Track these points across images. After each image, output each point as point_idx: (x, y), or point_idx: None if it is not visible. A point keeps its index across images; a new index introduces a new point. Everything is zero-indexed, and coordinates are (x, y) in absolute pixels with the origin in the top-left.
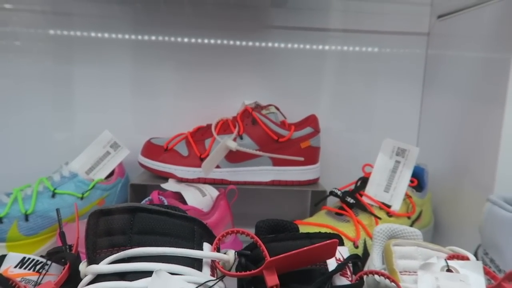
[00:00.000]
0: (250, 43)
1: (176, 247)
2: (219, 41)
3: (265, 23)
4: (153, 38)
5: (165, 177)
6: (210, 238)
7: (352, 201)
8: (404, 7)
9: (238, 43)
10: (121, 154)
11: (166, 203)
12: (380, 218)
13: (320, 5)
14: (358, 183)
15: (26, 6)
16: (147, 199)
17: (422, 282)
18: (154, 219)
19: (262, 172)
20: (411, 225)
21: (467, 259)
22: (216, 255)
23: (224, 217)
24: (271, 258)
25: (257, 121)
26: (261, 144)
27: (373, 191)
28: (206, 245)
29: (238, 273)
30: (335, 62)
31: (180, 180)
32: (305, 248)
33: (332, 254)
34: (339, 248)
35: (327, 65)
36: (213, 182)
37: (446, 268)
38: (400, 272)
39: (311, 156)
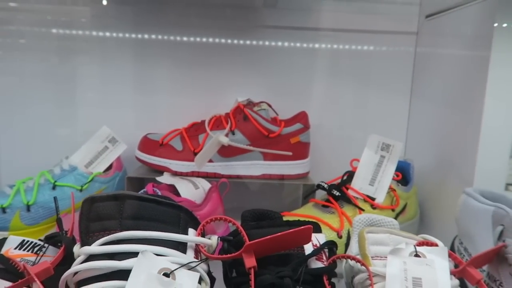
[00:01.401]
0: (248, 42)
1: (162, 231)
2: (216, 40)
3: (258, 22)
4: (153, 37)
5: (160, 170)
6: (196, 225)
7: (337, 193)
8: (393, 7)
9: (232, 41)
10: (119, 148)
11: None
12: (363, 210)
13: (312, 5)
14: (345, 177)
15: (29, 5)
16: (142, 191)
17: (390, 265)
18: (142, 205)
19: (253, 166)
20: (396, 217)
21: (436, 245)
22: (199, 239)
23: (216, 209)
24: (249, 242)
25: (248, 117)
26: (252, 139)
27: (359, 185)
28: (191, 231)
29: (220, 256)
30: (327, 61)
31: (175, 174)
32: (280, 233)
33: (307, 240)
34: (316, 235)
35: (319, 63)
36: (206, 176)
37: (414, 254)
38: (372, 257)
39: (300, 151)
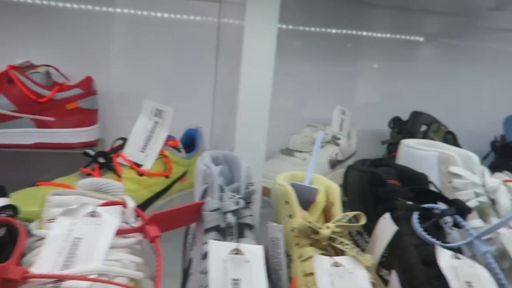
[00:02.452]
0: (38, 1)
1: None
2: None
3: None
4: None
5: None
6: None
7: (102, 161)
8: None
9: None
10: None
11: None
12: (120, 176)
13: None
14: (116, 144)
15: None
16: None
17: (55, 227)
18: None
19: (24, 134)
20: (173, 184)
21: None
22: None
23: None
24: None
25: (14, 80)
26: (18, 104)
27: (130, 152)
28: None
29: None
30: (127, 26)
31: None
32: None
33: None
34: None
35: (118, 28)
36: None
37: (90, 214)
38: (48, 219)
39: (81, 117)
